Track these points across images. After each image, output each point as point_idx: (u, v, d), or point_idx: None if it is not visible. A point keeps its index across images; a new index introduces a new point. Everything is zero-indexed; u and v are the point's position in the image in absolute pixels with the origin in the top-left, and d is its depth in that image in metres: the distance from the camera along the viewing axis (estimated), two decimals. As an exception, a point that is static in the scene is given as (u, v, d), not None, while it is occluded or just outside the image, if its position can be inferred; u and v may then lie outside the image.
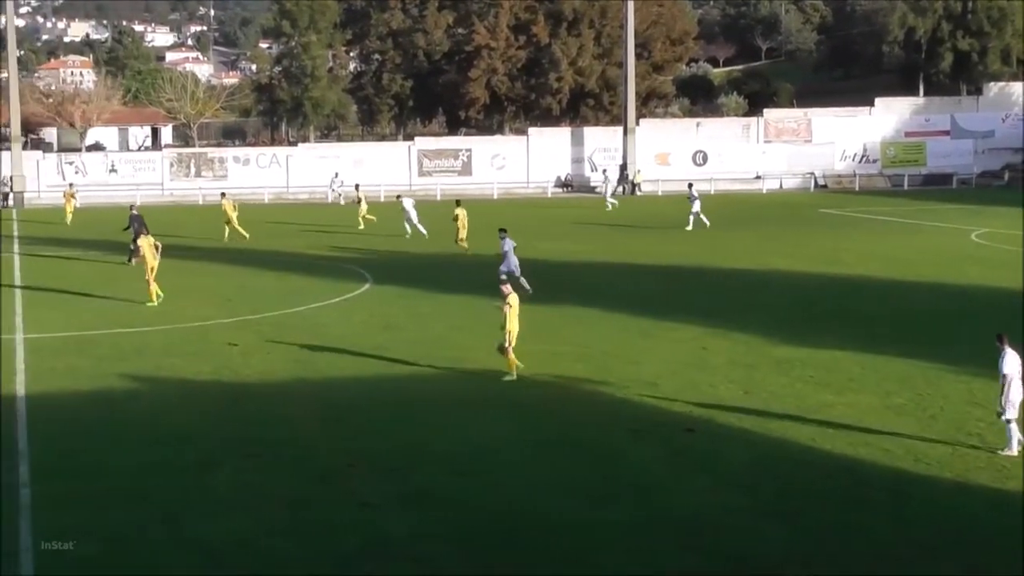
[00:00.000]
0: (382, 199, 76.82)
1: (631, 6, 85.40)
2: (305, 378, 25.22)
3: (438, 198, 78.54)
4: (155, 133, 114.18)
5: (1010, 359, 19.30)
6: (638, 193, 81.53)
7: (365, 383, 25.20)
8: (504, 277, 33.27)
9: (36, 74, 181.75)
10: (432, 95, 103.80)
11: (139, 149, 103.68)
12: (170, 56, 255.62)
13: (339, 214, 60.33)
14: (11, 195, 77.26)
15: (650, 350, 27.93)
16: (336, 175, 77.78)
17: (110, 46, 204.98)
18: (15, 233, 56.80)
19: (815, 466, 19.06)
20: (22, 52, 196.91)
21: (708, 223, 55.17)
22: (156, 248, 35.68)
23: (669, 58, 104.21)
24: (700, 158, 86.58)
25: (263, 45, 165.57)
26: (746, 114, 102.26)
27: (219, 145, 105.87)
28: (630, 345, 28.54)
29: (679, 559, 15.42)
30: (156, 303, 34.64)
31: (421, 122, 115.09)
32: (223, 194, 55.75)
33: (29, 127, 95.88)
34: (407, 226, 53.13)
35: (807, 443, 20.19)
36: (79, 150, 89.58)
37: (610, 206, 68.60)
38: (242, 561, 15.40)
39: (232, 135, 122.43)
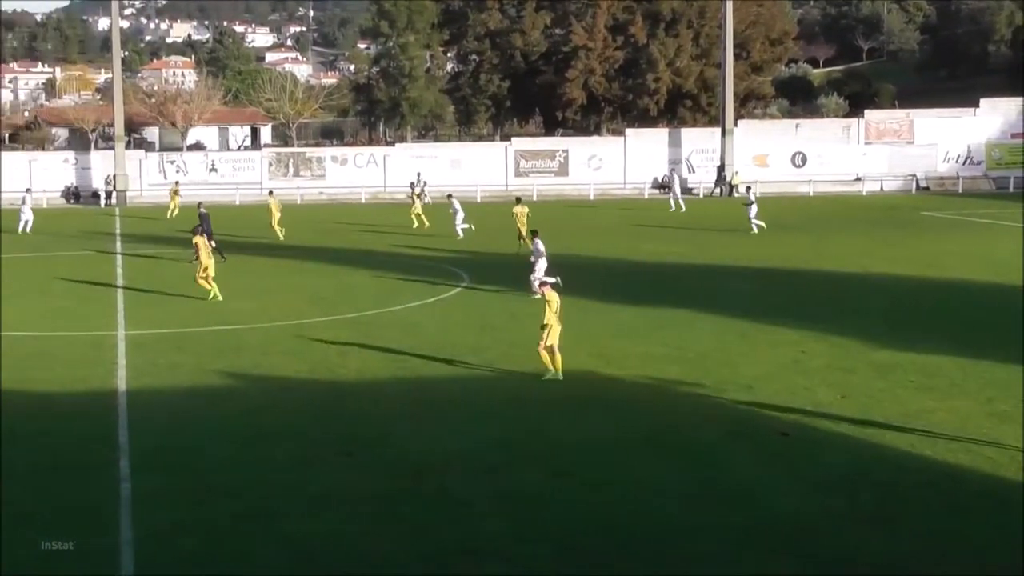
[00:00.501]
0: (478, 200, 77.15)
1: (730, 6, 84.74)
2: (400, 377, 25.30)
3: (535, 198, 78.61)
4: (255, 133, 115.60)
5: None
6: (735, 195, 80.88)
7: (460, 382, 25.21)
8: (551, 280, 33.60)
9: (139, 74, 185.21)
10: (529, 96, 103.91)
11: (239, 148, 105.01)
12: (270, 56, 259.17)
13: (427, 214, 60.36)
14: (114, 194, 78.62)
15: (747, 353, 27.64)
16: (419, 175, 77.89)
17: (211, 47, 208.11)
18: (117, 231, 57.71)
19: (915, 472, 18.70)
20: (126, 53, 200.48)
21: (755, 229, 54.55)
22: (209, 249, 36.71)
23: (768, 58, 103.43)
24: (799, 160, 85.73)
25: (361, 45, 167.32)
26: (846, 115, 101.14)
27: (317, 145, 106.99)
28: (726, 347, 28.27)
29: (777, 564, 15.21)
30: (221, 298, 35.31)
31: (518, 123, 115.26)
32: (271, 192, 57.08)
33: (132, 127, 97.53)
34: (457, 228, 53.31)
35: (907, 449, 19.82)
36: (180, 149, 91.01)
37: (673, 207, 67.82)
38: (335, 558, 15.44)
39: (330, 135, 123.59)
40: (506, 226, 54.76)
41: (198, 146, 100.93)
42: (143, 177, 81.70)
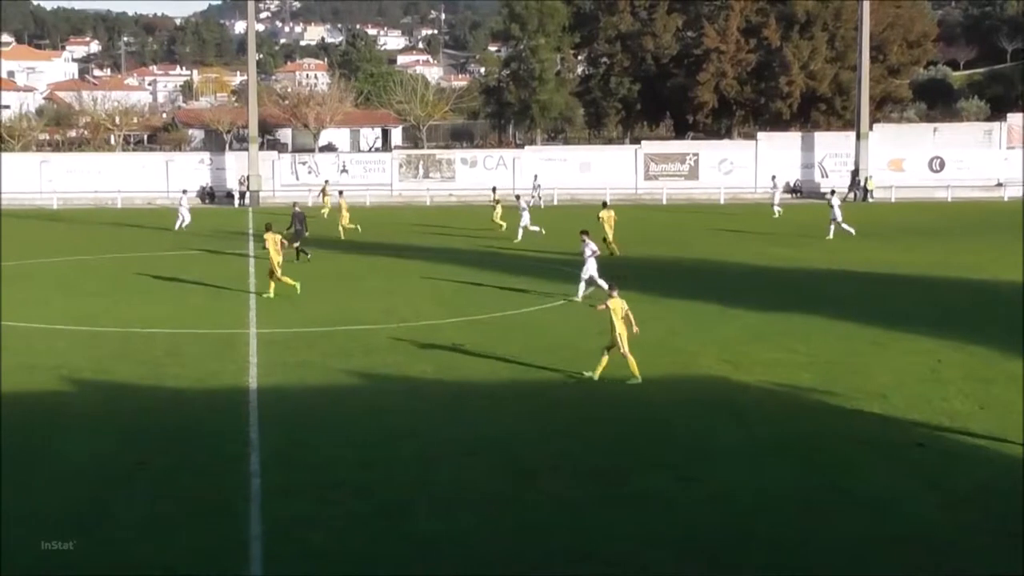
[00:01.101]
0: (608, 201, 76.86)
1: (867, 7, 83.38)
2: (525, 379, 25.25)
3: (664, 202, 78.28)
4: (385, 135, 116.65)
5: None
6: (869, 200, 79.60)
7: (584, 385, 25.09)
8: (600, 282, 34.12)
9: (273, 77, 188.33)
10: (660, 99, 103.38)
11: (370, 150, 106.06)
12: (401, 59, 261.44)
13: (540, 218, 60.12)
14: (248, 194, 79.93)
15: (879, 361, 27.08)
16: (536, 178, 77.89)
17: (344, 49, 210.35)
18: (250, 231, 58.62)
19: (1056, 487, 18.13)
20: (261, 56, 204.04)
21: (831, 235, 53.76)
22: (281, 246, 37.39)
23: (906, 61, 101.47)
24: (936, 164, 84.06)
25: (492, 48, 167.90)
26: (988, 119, 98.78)
27: (447, 147, 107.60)
28: (858, 355, 27.73)
29: (909, 578, 14.87)
30: (272, 296, 36.26)
31: (648, 126, 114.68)
32: (340, 192, 58.19)
33: (266, 128, 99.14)
34: (520, 230, 53.32)
35: (1047, 462, 19.24)
36: (312, 151, 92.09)
37: (777, 213, 66.75)
38: (456, 557, 15.46)
39: (460, 137, 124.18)
40: (633, 230, 54.66)
41: (330, 148, 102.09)
42: (276, 178, 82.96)
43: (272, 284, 36.82)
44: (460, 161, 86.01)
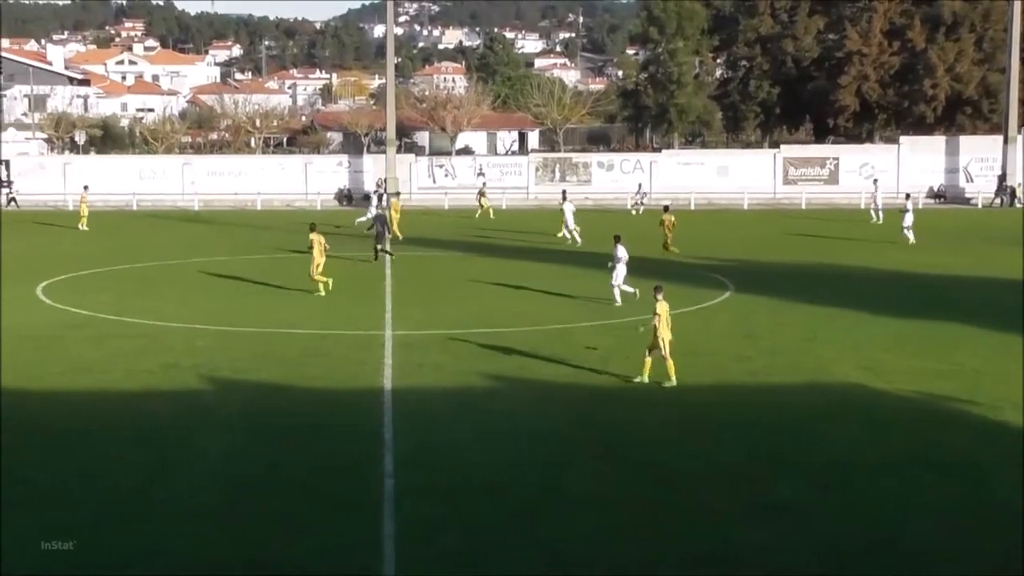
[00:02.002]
0: (745, 207, 76.14)
1: (1018, 7, 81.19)
2: (661, 383, 24.99)
3: (803, 206, 77.16)
4: (522, 138, 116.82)
5: None
6: (1017, 205, 77.56)
7: (721, 390, 24.81)
8: (626, 289, 34.52)
9: (411, 80, 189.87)
10: (800, 102, 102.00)
11: (506, 153, 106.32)
12: (539, 62, 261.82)
13: (640, 223, 59.58)
14: (385, 196, 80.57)
15: (1026, 371, 26.27)
16: (640, 186, 77.15)
17: (482, 52, 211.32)
18: (386, 233, 58.97)
19: None
20: (399, 59, 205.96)
21: (911, 239, 52.81)
22: (325, 247, 38.28)
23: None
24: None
25: (630, 51, 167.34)
26: None
27: (583, 150, 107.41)
28: (1003, 364, 26.91)
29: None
30: (324, 294, 36.91)
31: (787, 130, 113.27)
32: (397, 193, 58.60)
33: (403, 131, 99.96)
34: (565, 232, 53.04)
35: None
36: (449, 154, 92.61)
37: (874, 217, 64.97)
38: (588, 561, 15.37)
39: (597, 140, 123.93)
40: (773, 235, 53.98)
41: (467, 151, 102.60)
42: (413, 180, 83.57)
43: (321, 280, 37.54)
44: (597, 164, 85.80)
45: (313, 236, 38.10)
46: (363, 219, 60.04)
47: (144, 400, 23.81)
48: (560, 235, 54.04)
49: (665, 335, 24.71)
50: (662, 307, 24.93)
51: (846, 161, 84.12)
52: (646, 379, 24.93)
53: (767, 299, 37.02)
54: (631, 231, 46.90)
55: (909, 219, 53.78)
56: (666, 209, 50.69)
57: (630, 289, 34.91)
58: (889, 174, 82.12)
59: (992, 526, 16.63)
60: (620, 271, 35.57)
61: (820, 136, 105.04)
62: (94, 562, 15.20)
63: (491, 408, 23.29)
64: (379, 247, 45.74)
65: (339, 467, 19.21)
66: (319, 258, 37.85)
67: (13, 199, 76.99)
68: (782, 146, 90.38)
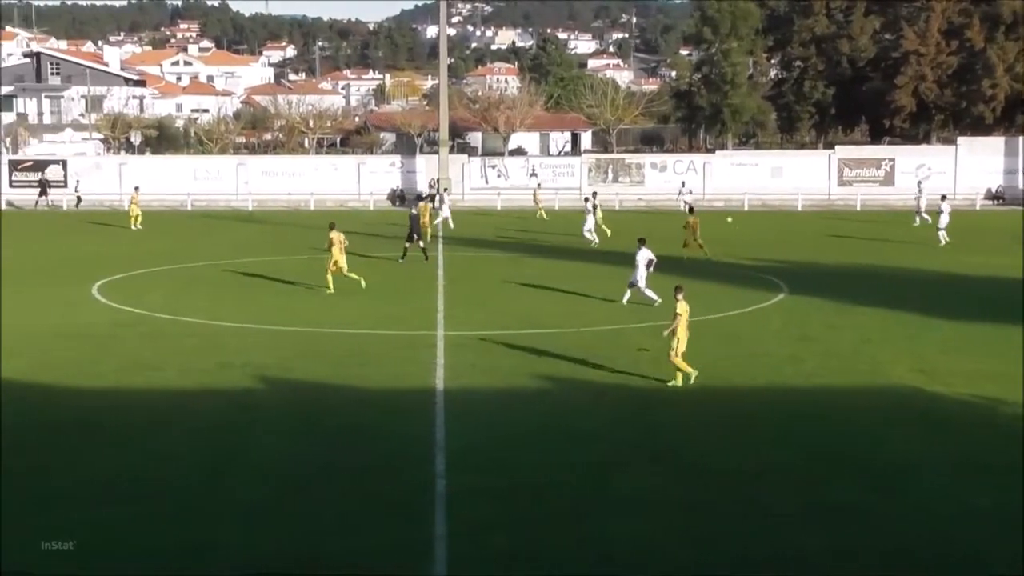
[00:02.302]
0: (799, 208, 75.66)
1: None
2: (713, 385, 24.86)
3: (858, 208, 76.58)
4: (575, 138, 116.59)
5: None
6: (1075, 207, 76.60)
7: (775, 392, 24.65)
8: (646, 293, 34.41)
9: (464, 81, 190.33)
10: (855, 103, 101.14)
11: (559, 154, 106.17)
12: (592, 63, 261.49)
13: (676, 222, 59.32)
14: (438, 196, 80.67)
15: (1088, 375, 25.89)
16: (683, 184, 76.94)
17: (534, 53, 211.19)
18: (439, 233, 59.14)
19: None
20: (452, 60, 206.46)
21: (942, 241, 52.53)
22: (344, 246, 38.37)
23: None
24: None
25: (683, 52, 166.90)
26: None
27: (636, 151, 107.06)
28: (1065, 368, 26.56)
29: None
30: (332, 291, 37.43)
31: (843, 131, 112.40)
32: (433, 197, 59.00)
33: (456, 132, 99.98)
34: (586, 233, 52.96)
35: None
36: (502, 154, 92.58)
37: (917, 221, 64.09)
38: (638, 563, 15.31)
39: (650, 141, 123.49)
40: (827, 237, 53.53)
41: (519, 151, 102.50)
42: (465, 181, 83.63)
43: (356, 278, 38.04)
44: (650, 165, 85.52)
45: (332, 235, 38.31)
46: (439, 219, 61.36)
47: (197, 398, 23.96)
48: (599, 233, 54.14)
49: (682, 336, 24.62)
50: (683, 307, 24.84)
51: (902, 162, 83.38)
52: (692, 379, 24.76)
53: (821, 301, 36.74)
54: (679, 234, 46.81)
55: (944, 220, 53.40)
56: (691, 211, 50.46)
57: (652, 295, 34.73)
58: (946, 175, 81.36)
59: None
60: (641, 273, 35.45)
61: (876, 137, 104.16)
62: (146, 560, 15.26)
63: (542, 409, 23.23)
64: (408, 245, 45.95)
65: (391, 467, 19.23)
66: (338, 255, 38.04)
67: (79, 198, 78.05)
68: (837, 147, 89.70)
